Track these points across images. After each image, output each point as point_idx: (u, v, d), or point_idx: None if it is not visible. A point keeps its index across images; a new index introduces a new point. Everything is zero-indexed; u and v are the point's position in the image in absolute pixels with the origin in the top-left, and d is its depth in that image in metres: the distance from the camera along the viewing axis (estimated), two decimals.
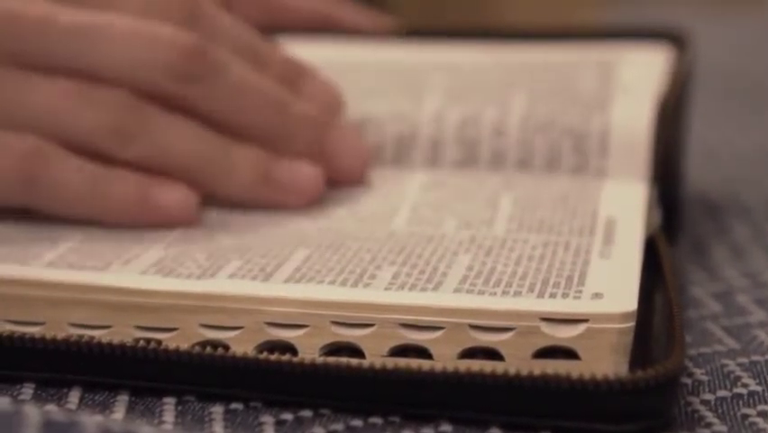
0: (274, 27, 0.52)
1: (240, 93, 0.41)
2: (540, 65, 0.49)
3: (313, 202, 0.42)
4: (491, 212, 0.40)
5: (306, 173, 0.42)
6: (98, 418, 0.31)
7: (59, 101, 0.40)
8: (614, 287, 0.35)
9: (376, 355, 0.34)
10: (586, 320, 0.33)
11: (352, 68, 0.50)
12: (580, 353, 0.33)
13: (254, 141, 0.42)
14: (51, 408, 0.33)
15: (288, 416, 0.33)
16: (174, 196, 0.40)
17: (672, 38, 0.50)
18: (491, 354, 0.33)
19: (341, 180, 0.43)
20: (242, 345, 0.34)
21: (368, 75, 0.49)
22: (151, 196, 0.40)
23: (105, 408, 0.34)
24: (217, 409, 0.34)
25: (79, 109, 0.40)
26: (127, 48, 0.40)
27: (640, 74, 0.47)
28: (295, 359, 0.33)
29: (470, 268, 0.36)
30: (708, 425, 0.33)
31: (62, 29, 0.40)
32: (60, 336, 0.35)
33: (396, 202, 0.42)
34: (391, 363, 0.33)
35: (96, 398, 0.34)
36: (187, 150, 0.41)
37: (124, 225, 0.40)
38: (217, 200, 0.42)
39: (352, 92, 0.47)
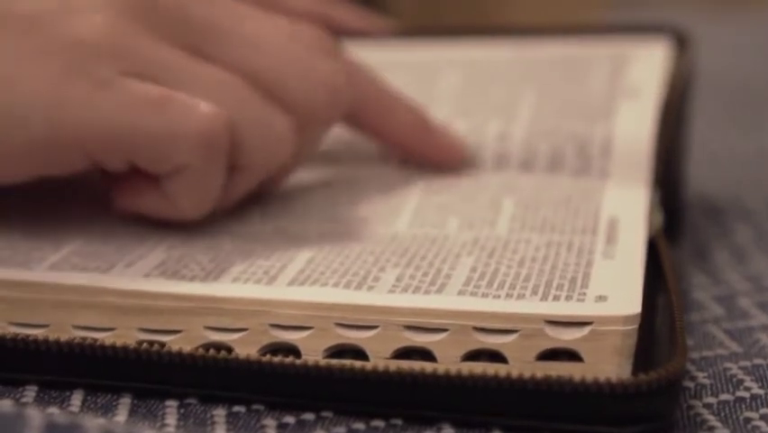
0: None
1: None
2: (552, 60, 0.49)
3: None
4: (494, 212, 0.40)
5: None
6: (100, 420, 0.31)
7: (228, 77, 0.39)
8: (618, 289, 0.35)
9: (380, 358, 0.34)
10: (590, 323, 0.33)
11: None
12: (584, 355, 0.33)
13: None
14: (54, 410, 0.33)
15: (290, 419, 0.33)
16: None
17: (674, 36, 0.50)
18: (495, 356, 0.33)
19: None
20: (246, 348, 0.34)
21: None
22: None
23: (108, 410, 0.34)
24: (219, 412, 0.34)
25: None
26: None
27: (647, 72, 0.47)
28: (297, 361, 0.33)
29: (473, 270, 0.36)
30: (711, 429, 0.33)
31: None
32: (63, 338, 0.34)
33: (398, 203, 0.41)
34: (393, 365, 0.33)
35: (99, 400, 0.34)
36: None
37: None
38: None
39: None
